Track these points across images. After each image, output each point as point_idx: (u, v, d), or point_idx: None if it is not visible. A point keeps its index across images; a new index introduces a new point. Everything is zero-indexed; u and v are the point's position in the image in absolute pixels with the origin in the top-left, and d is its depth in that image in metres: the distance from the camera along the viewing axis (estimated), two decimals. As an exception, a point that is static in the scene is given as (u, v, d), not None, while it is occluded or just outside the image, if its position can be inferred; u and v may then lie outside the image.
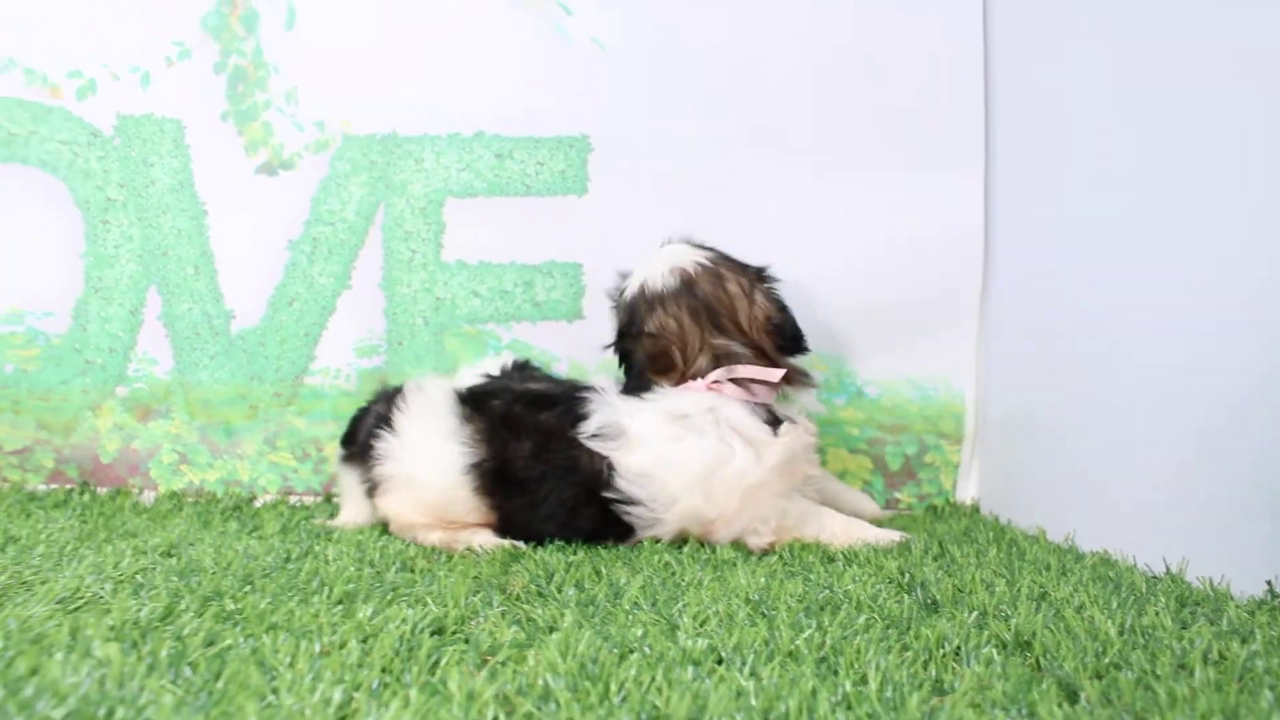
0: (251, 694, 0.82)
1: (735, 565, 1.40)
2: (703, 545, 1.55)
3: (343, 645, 0.97)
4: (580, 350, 1.94)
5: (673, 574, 1.34)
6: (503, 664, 0.93)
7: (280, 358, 1.95)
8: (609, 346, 1.69)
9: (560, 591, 1.23)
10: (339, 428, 1.85)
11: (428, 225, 1.94)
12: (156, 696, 0.82)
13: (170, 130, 1.95)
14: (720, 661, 0.95)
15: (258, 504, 1.90)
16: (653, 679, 0.87)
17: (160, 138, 1.95)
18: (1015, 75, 1.87)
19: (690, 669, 0.90)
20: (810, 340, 1.66)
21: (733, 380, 1.58)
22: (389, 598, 1.16)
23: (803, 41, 1.95)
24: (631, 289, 1.66)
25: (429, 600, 1.14)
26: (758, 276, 1.66)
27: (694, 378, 1.59)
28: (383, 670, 0.90)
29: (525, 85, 1.95)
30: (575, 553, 1.44)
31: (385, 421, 1.64)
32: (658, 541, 1.55)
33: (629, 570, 1.35)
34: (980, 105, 1.93)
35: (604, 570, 1.34)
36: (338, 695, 0.82)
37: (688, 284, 1.61)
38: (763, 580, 1.29)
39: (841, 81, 1.95)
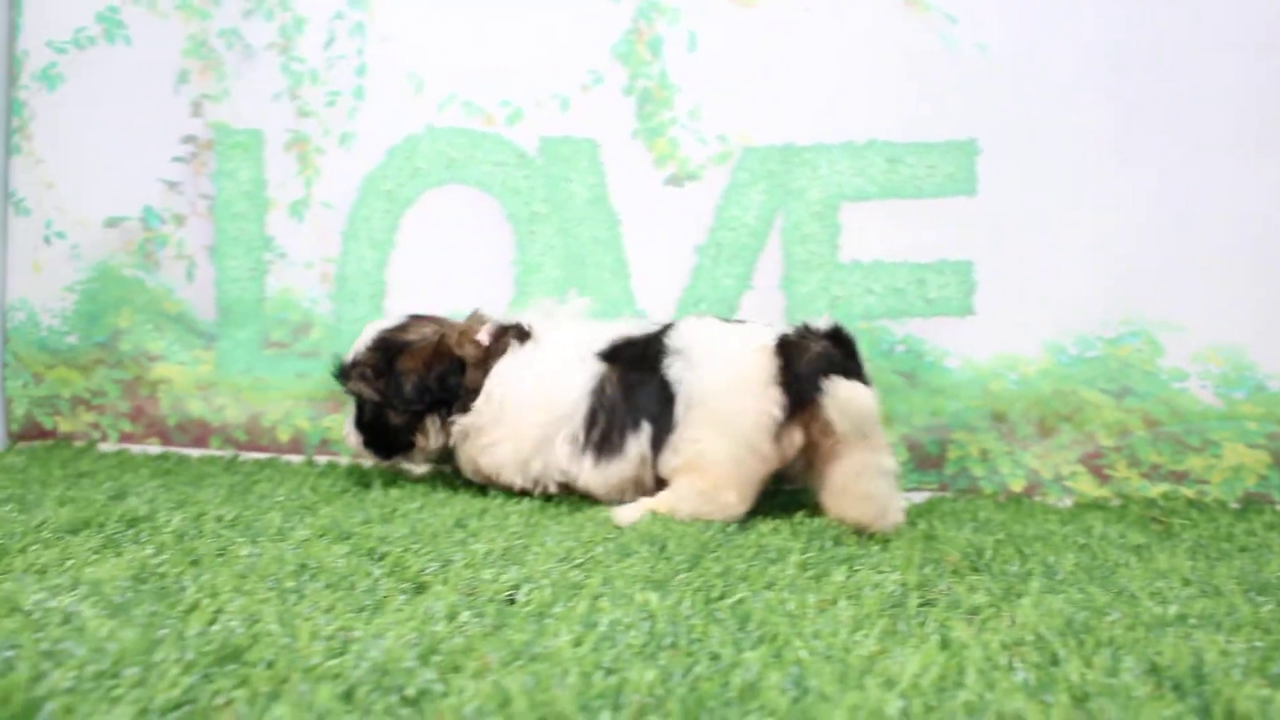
0: (785, 636, 0.97)
1: (1150, 548, 1.47)
2: (1110, 524, 1.62)
3: (834, 601, 1.11)
4: (971, 346, 2.01)
5: (1094, 556, 1.42)
6: (984, 621, 1.05)
7: (690, 354, 2.13)
8: None
9: (994, 565, 1.33)
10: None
11: (824, 228, 2.08)
12: (704, 634, 0.98)
13: (586, 149, 2.17)
14: (1193, 626, 1.03)
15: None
16: (1137, 636, 0.97)
17: (578, 156, 2.18)
18: None
19: (1169, 629, 0.99)
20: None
21: None
22: (846, 566, 1.29)
23: (1186, 34, 1.96)
24: None
25: (885, 567, 1.27)
26: None
27: None
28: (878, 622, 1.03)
29: (913, 93, 2.05)
30: (996, 531, 1.53)
31: None
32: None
33: (1050, 549, 1.44)
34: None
35: (1025, 549, 1.43)
36: (859, 639, 0.96)
37: None
38: (1188, 562, 1.35)
39: (1230, 68, 1.95)
